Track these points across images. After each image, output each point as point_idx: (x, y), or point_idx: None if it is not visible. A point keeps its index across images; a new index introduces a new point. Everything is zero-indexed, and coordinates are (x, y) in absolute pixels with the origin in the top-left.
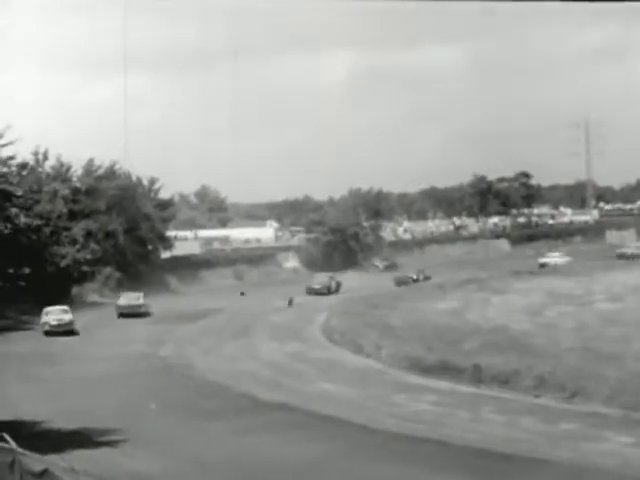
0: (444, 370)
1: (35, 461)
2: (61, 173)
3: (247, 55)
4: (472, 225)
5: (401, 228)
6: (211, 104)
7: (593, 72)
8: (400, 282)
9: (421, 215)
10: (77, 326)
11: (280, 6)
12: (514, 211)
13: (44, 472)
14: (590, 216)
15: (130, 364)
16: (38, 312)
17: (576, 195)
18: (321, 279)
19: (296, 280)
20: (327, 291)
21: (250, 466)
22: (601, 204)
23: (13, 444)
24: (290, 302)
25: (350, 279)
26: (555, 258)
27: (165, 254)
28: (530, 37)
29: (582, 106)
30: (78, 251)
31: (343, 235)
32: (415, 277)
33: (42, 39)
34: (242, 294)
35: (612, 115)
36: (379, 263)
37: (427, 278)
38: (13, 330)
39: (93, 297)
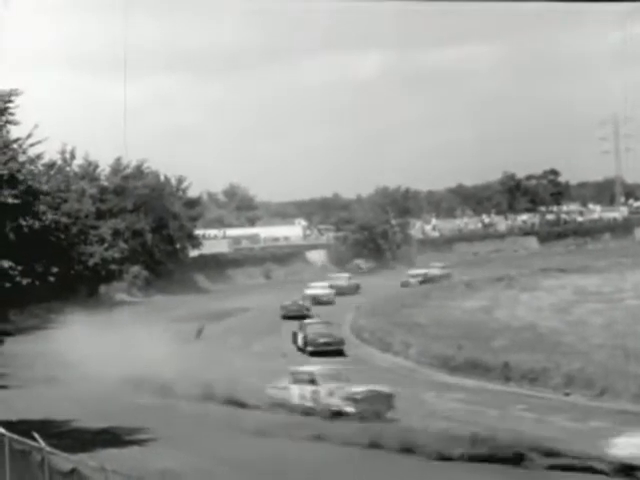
0: (473, 368)
1: (64, 460)
2: (88, 172)
3: (277, 55)
4: (501, 223)
5: (429, 226)
6: (241, 103)
7: (622, 70)
8: (289, 313)
9: (449, 213)
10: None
11: (312, 7)
12: (543, 208)
13: (73, 471)
14: (619, 213)
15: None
16: (66, 311)
17: (605, 192)
18: None
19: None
20: None
21: (272, 466)
22: (630, 201)
23: (42, 443)
24: (199, 333)
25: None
26: (321, 290)
27: (193, 253)
28: (560, 36)
29: (611, 103)
30: (106, 250)
31: (372, 233)
32: (307, 306)
33: (65, 39)
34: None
35: None
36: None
37: (308, 309)
38: (41, 329)
39: (121, 296)
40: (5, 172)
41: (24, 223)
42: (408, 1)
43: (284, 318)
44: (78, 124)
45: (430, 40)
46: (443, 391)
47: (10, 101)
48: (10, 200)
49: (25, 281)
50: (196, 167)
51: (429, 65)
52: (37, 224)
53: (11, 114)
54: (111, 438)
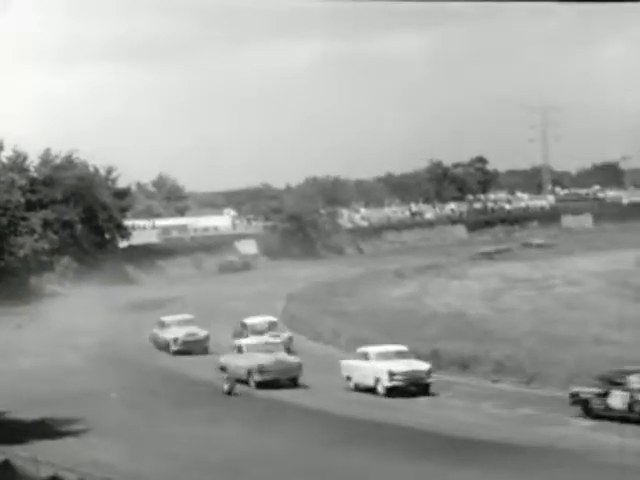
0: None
1: None
2: (17, 163)
3: (209, 44)
4: (429, 211)
5: (358, 215)
6: (172, 93)
7: (551, 58)
8: None
9: (378, 202)
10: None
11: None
12: (470, 197)
13: (4, 463)
14: (546, 201)
15: (100, 355)
16: None
17: (533, 180)
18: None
19: (255, 267)
20: None
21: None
22: (557, 189)
23: None
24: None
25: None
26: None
27: (123, 243)
28: (493, 25)
29: (539, 91)
30: (36, 241)
31: (301, 223)
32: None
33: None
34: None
35: (569, 100)
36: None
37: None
38: None
39: (53, 287)
40: None
41: None
42: None
43: None
44: (6, 115)
45: (359, 29)
46: None
47: None
48: None
49: None
50: (126, 157)
51: (358, 54)
52: None
53: None
54: (45, 429)
